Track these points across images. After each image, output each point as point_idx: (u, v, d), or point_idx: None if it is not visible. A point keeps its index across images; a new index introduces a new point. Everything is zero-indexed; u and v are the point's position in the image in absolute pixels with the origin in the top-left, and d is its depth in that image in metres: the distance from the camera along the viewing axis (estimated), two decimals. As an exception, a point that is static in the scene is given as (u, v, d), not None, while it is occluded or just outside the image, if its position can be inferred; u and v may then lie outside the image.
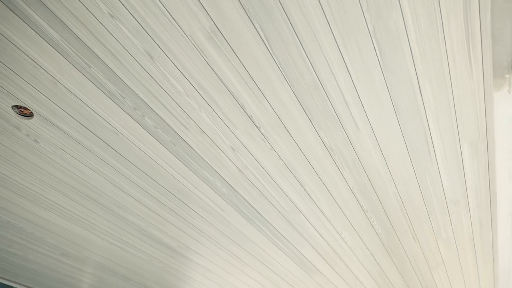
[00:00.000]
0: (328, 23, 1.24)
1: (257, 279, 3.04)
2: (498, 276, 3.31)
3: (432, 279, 3.23)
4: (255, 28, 1.23)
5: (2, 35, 1.26)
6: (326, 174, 1.93)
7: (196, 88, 1.44)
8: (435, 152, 1.84)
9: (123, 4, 1.18)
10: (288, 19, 1.21)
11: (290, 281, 3.07)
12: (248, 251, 2.59)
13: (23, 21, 1.22)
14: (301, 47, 1.30)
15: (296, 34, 1.26)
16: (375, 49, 1.35)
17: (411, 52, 1.37)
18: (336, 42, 1.30)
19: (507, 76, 1.57)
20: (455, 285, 3.37)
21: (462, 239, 2.64)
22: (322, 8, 1.19)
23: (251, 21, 1.21)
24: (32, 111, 1.55)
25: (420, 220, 2.38)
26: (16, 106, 1.53)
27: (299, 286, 3.18)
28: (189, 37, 1.26)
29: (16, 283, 2.97)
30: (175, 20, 1.21)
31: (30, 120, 1.59)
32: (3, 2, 1.17)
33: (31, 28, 1.24)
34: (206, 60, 1.34)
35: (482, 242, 2.70)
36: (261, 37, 1.26)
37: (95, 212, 2.12)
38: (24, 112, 1.56)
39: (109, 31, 1.25)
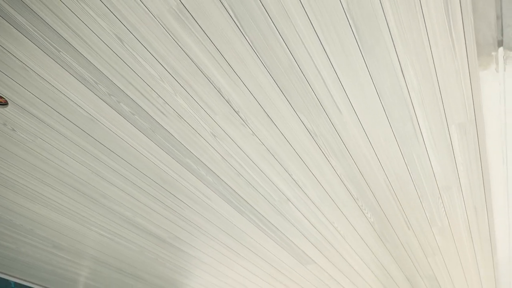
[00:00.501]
0: (301, 2, 1.19)
1: (251, 270, 3.02)
2: (498, 263, 3.26)
3: (430, 268, 3.19)
4: (223, 6, 1.19)
5: (-33, 20, 1.23)
6: (312, 161, 1.89)
7: (169, 71, 1.40)
8: (422, 136, 1.79)
9: (86, -15, 1.14)
10: (258, -4, 1.17)
11: (285, 271, 3.04)
12: (239, 241, 2.56)
13: (-12, 5, 1.19)
14: (275, 28, 1.26)
15: (267, 13, 1.22)
16: (352, 31, 1.30)
17: (390, 33, 1.32)
18: (311, 23, 1.25)
19: (493, 53, 1.51)
20: (454, 273, 3.33)
21: (458, 226, 2.59)
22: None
23: (219, -1, 1.17)
24: (7, 99, 1.53)
25: (413, 207, 2.34)
26: (-10, 95, 1.51)
27: (293, 276, 3.16)
28: (157, 18, 1.22)
29: (10, 276, 2.98)
30: (140, 0, 1.17)
31: (5, 108, 1.57)
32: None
33: (-3, 12, 1.21)
34: (177, 42, 1.30)
35: (479, 228, 2.64)
36: (230, 15, 1.22)
37: (81, 203, 2.11)
38: (-1, 100, 1.54)
39: (74, 14, 1.21)
